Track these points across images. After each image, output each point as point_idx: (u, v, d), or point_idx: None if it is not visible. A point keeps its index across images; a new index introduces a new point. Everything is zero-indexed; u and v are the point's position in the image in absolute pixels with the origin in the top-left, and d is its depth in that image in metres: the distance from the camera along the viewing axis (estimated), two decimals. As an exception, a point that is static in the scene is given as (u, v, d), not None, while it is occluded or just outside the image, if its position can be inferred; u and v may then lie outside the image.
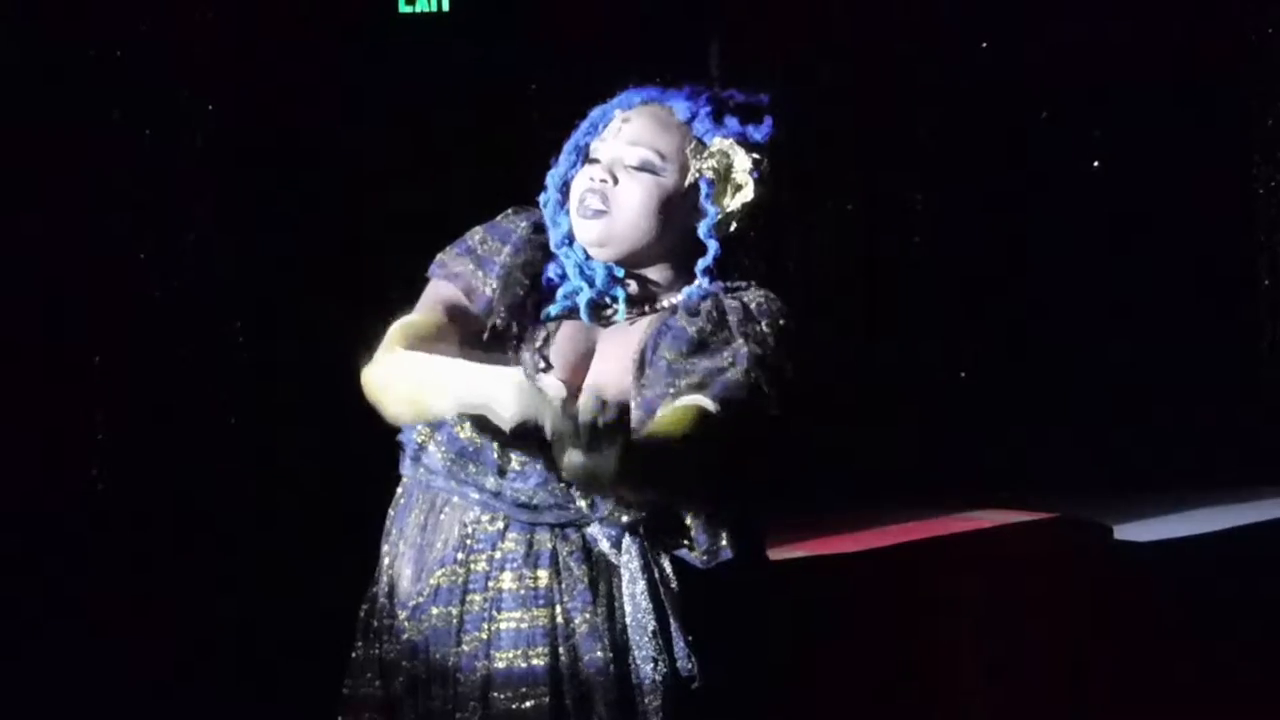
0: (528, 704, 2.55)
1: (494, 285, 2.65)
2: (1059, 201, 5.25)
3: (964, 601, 3.77)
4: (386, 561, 2.70)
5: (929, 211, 5.16)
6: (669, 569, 2.60)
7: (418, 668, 2.62)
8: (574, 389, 2.61)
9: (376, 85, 4.34)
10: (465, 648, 2.59)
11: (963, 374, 5.12)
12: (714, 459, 2.53)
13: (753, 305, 2.60)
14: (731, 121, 2.62)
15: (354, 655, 2.71)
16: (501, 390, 2.42)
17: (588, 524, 2.57)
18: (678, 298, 2.65)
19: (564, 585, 2.58)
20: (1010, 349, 5.19)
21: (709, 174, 2.60)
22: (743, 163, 2.60)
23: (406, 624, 2.63)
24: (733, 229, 2.63)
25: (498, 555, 2.60)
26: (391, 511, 2.74)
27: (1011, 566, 3.89)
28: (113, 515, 3.89)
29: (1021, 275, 5.19)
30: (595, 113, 2.65)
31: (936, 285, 5.13)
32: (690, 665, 2.58)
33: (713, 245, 2.61)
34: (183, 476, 3.93)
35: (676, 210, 2.61)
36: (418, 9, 4.49)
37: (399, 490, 2.73)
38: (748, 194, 2.60)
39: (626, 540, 2.59)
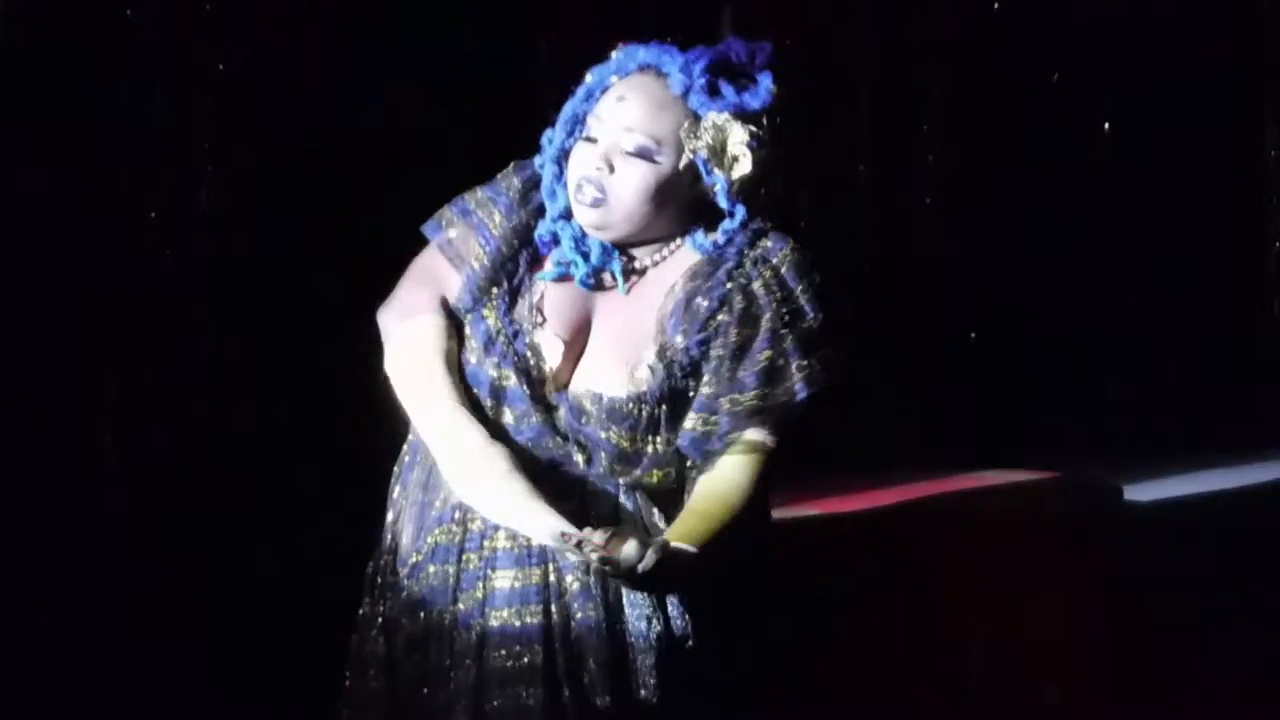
0: (522, 662, 2.57)
1: (484, 259, 2.64)
2: (1067, 161, 5.22)
3: (967, 561, 3.75)
4: (390, 518, 2.72)
5: (937, 169, 5.13)
6: (664, 526, 2.60)
7: (416, 625, 2.64)
8: (572, 348, 2.60)
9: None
10: (461, 606, 2.61)
11: (971, 334, 5.10)
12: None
13: (785, 271, 2.60)
14: (728, 91, 2.58)
15: (361, 612, 2.73)
16: (535, 533, 2.52)
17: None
18: (682, 255, 2.63)
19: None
20: (1015, 310, 5.16)
21: (704, 151, 2.58)
22: (738, 135, 2.57)
23: (406, 581, 2.65)
24: (737, 193, 2.62)
25: None
26: (396, 470, 2.75)
27: (1017, 526, 3.88)
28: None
29: (1028, 235, 5.15)
30: (592, 78, 2.64)
31: (942, 244, 5.09)
32: (684, 624, 2.58)
33: (739, 210, 2.61)
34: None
35: (674, 190, 2.60)
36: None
37: (404, 449, 2.74)
38: (745, 166, 2.58)
39: (623, 497, 2.58)
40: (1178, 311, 5.28)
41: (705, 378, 2.58)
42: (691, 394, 2.58)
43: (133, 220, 3.87)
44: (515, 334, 2.60)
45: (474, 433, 2.57)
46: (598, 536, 2.43)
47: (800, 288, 2.60)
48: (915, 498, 3.85)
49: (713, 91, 2.57)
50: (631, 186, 2.58)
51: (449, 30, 4.16)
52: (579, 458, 2.58)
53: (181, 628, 3.77)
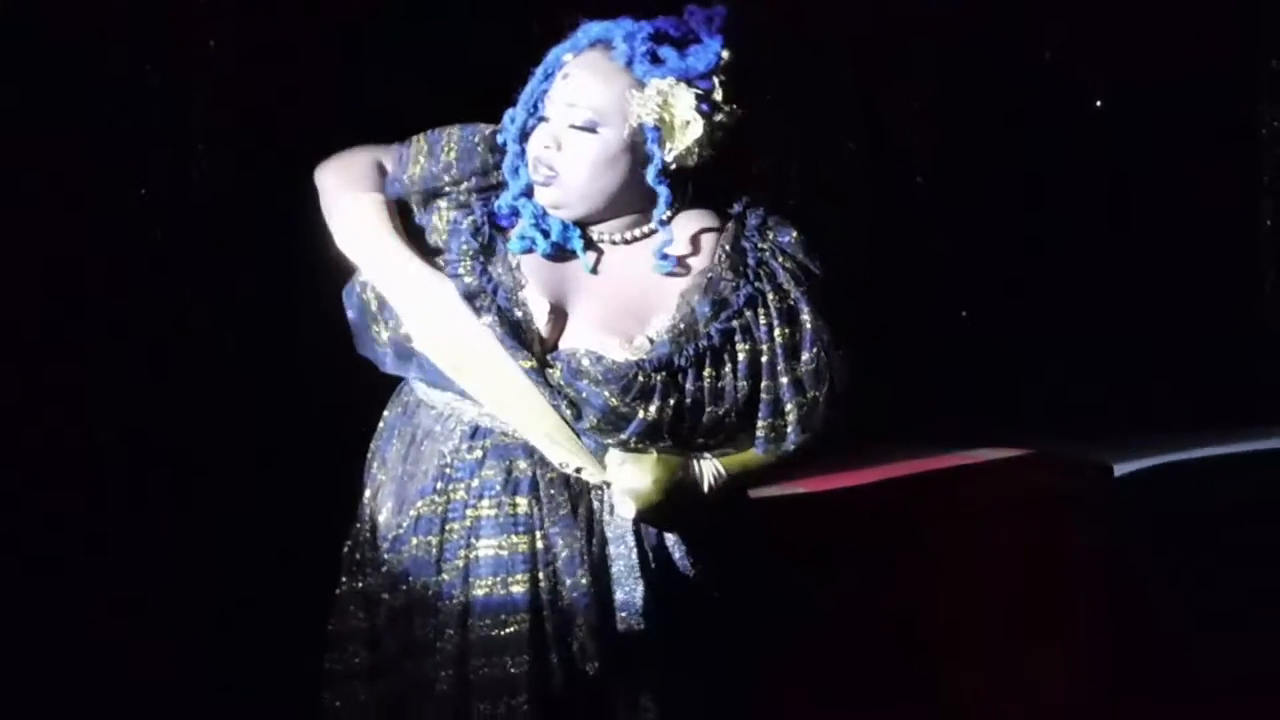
0: (507, 630, 2.58)
1: (415, 195, 2.68)
2: (1061, 144, 5.22)
3: (954, 537, 3.76)
4: (368, 494, 2.72)
5: (929, 147, 5.12)
6: None
7: (398, 598, 2.64)
8: (556, 312, 2.61)
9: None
10: (445, 576, 2.62)
11: (964, 313, 5.10)
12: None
13: (803, 259, 2.62)
14: (671, 56, 2.57)
15: (338, 591, 2.73)
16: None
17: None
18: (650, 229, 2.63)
19: (545, 511, 2.60)
20: (1009, 290, 5.17)
21: (650, 119, 2.56)
22: (685, 99, 2.56)
23: (387, 555, 2.66)
24: (693, 162, 2.61)
25: (476, 483, 2.63)
26: (373, 446, 2.75)
27: (1005, 503, 3.87)
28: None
29: (1018, 213, 5.16)
30: (550, 58, 2.64)
31: (936, 221, 5.09)
32: (672, 591, 2.59)
33: (663, 191, 2.59)
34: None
35: (626, 160, 2.59)
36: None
37: (380, 426, 2.75)
38: (696, 129, 2.56)
39: (609, 456, 2.59)
40: (1169, 294, 5.28)
41: (761, 381, 2.60)
42: (690, 369, 2.57)
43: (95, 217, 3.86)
44: (496, 289, 2.60)
45: (445, 283, 2.60)
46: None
47: (820, 274, 2.63)
48: (901, 474, 3.85)
49: (656, 59, 2.57)
50: (579, 161, 2.58)
51: (447, 27, 4.15)
52: (568, 412, 2.57)
53: (153, 618, 3.76)
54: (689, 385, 2.57)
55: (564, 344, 2.62)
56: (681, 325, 2.58)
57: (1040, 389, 5.07)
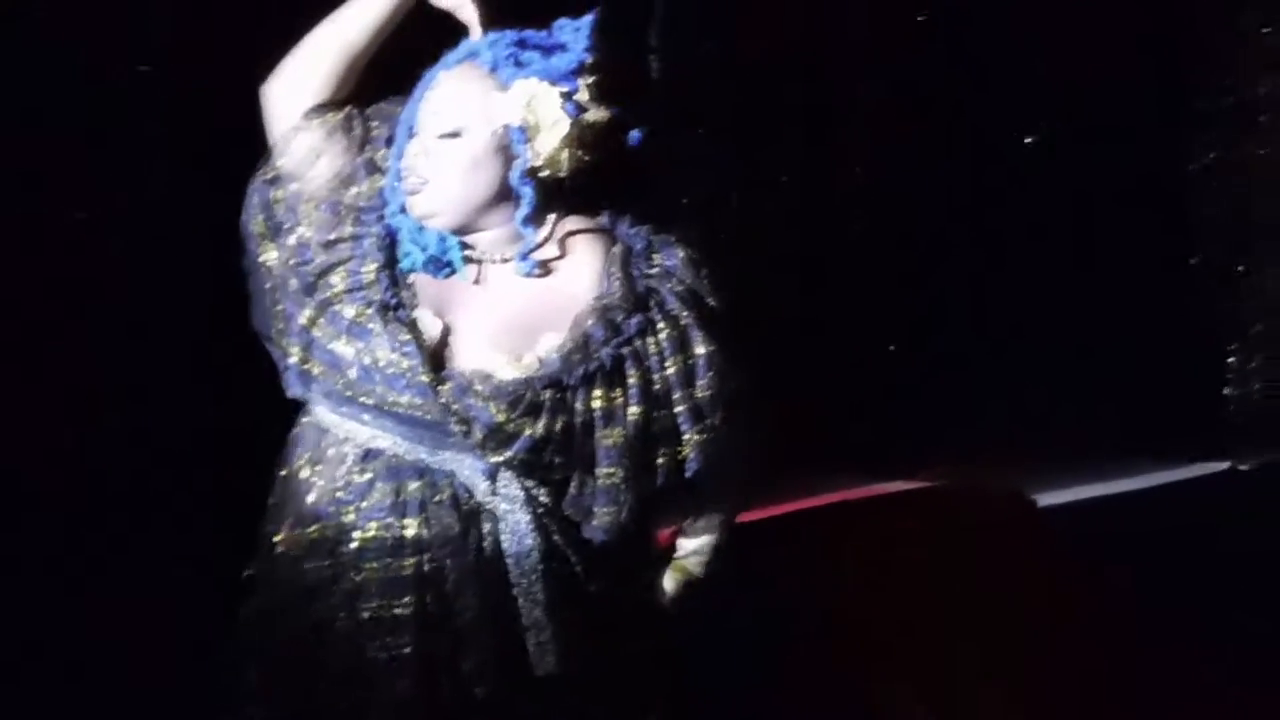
0: (394, 653, 2.59)
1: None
2: (990, 174, 5.25)
3: (874, 567, 3.79)
4: (271, 515, 2.74)
5: (868, 178, 5.15)
6: (547, 500, 2.65)
7: (292, 622, 2.66)
8: (446, 330, 2.62)
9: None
10: (334, 600, 2.63)
11: (891, 347, 5.13)
12: None
13: (692, 283, 2.61)
14: (533, 59, 2.58)
15: (241, 614, 2.75)
16: None
17: (464, 451, 2.60)
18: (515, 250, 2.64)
19: (433, 534, 2.62)
20: (937, 319, 5.20)
21: (516, 120, 2.57)
22: (550, 100, 2.56)
23: (283, 578, 2.67)
24: (565, 166, 2.60)
25: (365, 505, 2.65)
26: (280, 465, 2.77)
27: (921, 534, 3.92)
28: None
29: (948, 243, 5.19)
30: (426, 78, 2.63)
31: (864, 252, 5.13)
32: (579, 597, 2.64)
33: (526, 193, 2.59)
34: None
35: (495, 164, 2.59)
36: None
37: (288, 442, 2.76)
38: (563, 128, 2.56)
39: (501, 475, 2.63)
40: (1099, 321, 5.32)
41: (655, 410, 2.60)
42: (580, 389, 2.58)
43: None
44: (398, 305, 2.61)
45: None
46: None
47: (710, 297, 2.63)
48: (819, 505, 3.88)
49: (519, 63, 2.58)
50: (447, 167, 2.58)
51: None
52: (457, 429, 2.59)
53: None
54: (578, 405, 2.57)
55: (454, 362, 2.63)
56: (572, 345, 2.58)
57: (963, 420, 5.09)
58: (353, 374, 2.59)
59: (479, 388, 2.56)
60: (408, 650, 2.59)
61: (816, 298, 5.01)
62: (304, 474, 2.70)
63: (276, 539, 2.70)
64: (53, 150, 3.80)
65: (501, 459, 2.59)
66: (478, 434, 2.57)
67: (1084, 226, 5.26)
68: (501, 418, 2.55)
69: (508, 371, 2.58)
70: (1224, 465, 5.00)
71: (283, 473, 2.74)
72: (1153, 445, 4.99)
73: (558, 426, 2.57)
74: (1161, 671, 4.23)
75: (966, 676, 3.90)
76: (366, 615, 2.61)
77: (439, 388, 2.57)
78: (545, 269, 2.62)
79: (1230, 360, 5.55)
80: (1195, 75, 5.48)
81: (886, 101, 5.13)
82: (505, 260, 2.63)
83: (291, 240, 2.64)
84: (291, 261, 2.63)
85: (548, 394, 2.56)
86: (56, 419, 3.82)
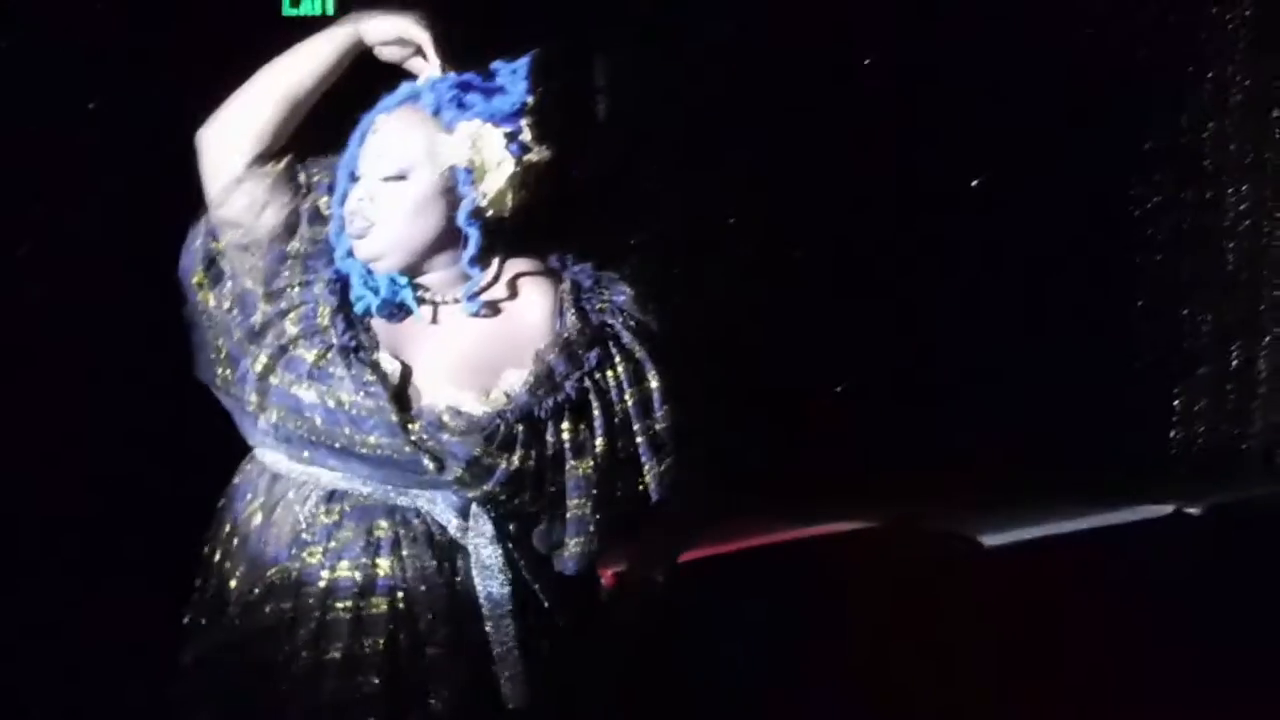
0: (363, 692, 2.59)
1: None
2: (934, 215, 5.26)
3: (815, 606, 3.80)
4: (216, 561, 2.72)
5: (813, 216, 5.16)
6: (517, 534, 2.67)
7: (247, 663, 2.64)
8: (407, 371, 2.63)
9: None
10: (298, 642, 2.62)
11: (838, 389, 5.15)
12: None
13: (642, 318, 2.65)
14: (475, 100, 2.61)
15: (184, 659, 2.73)
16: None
17: (435, 489, 2.62)
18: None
19: (408, 572, 2.62)
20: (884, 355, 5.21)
21: (462, 161, 2.60)
22: (494, 140, 2.60)
23: (238, 622, 2.65)
24: (510, 205, 2.63)
25: (334, 545, 2.64)
26: (222, 509, 2.75)
27: (870, 571, 3.92)
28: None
29: (892, 283, 5.20)
30: (364, 123, 2.64)
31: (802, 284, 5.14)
32: (548, 630, 2.66)
33: (473, 234, 2.61)
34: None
35: (440, 206, 2.61)
36: (302, 11, 4.47)
37: (230, 488, 2.75)
38: (508, 168, 2.60)
39: (473, 511, 2.64)
40: (1044, 362, 5.34)
41: (618, 441, 2.63)
42: (550, 421, 2.61)
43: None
44: (358, 347, 2.61)
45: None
46: None
47: (660, 330, 2.67)
48: (769, 543, 3.89)
49: (462, 105, 2.61)
50: (392, 210, 2.59)
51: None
52: (430, 465, 2.60)
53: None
54: (549, 438, 2.61)
55: (418, 401, 2.63)
56: (536, 379, 2.61)
57: (915, 459, 5.09)
58: (317, 418, 2.59)
59: (452, 423, 2.58)
60: (377, 688, 2.59)
61: (752, 337, 5.01)
62: (256, 520, 2.69)
63: (231, 585, 2.68)
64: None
65: (478, 493, 2.61)
66: (456, 469, 2.58)
67: (1031, 269, 5.28)
68: (478, 451, 2.57)
69: (477, 407, 2.59)
70: (1169, 508, 5.02)
71: (226, 526, 2.73)
72: (1098, 487, 4.99)
73: (531, 459, 2.60)
74: (1104, 712, 4.26)
75: (910, 715, 3.91)
76: (335, 655, 2.60)
77: (409, 426, 2.58)
78: (494, 309, 2.65)
79: (1176, 403, 5.60)
80: (1142, 117, 5.53)
81: (834, 137, 5.15)
82: (455, 301, 2.65)
83: (234, 289, 2.64)
84: (234, 311, 2.64)
85: (520, 427, 2.59)
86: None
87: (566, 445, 2.62)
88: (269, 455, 2.69)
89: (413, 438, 2.57)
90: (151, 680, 2.83)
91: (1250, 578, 4.69)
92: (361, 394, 2.57)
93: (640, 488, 2.67)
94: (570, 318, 2.64)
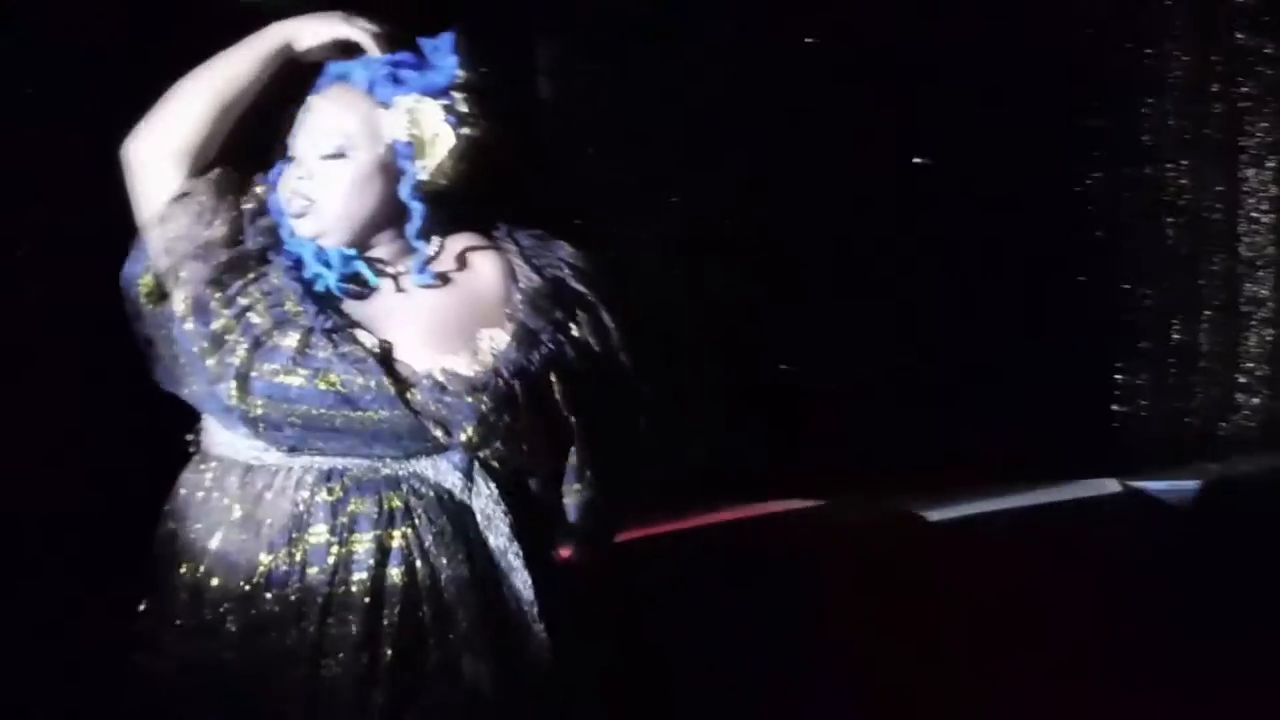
0: (371, 671, 2.56)
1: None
2: (877, 195, 5.27)
3: (756, 585, 3.80)
4: (182, 572, 2.68)
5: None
6: (514, 494, 2.65)
7: (245, 652, 2.61)
8: (384, 342, 2.61)
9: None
10: (304, 623, 2.60)
11: (782, 366, 5.15)
12: None
13: (588, 270, 2.68)
14: (410, 76, 2.63)
15: (138, 668, 2.69)
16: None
17: (437, 454, 2.61)
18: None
19: (426, 539, 2.61)
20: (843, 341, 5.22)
21: (403, 135, 2.62)
22: (433, 113, 2.62)
23: (231, 618, 2.62)
24: (451, 177, 2.64)
25: (342, 521, 2.61)
26: (175, 523, 2.71)
27: (814, 552, 3.93)
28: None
29: (837, 266, 5.21)
30: (302, 109, 2.65)
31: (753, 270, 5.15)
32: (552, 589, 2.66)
33: (416, 207, 2.63)
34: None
35: (381, 181, 2.62)
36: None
37: (178, 500, 2.71)
38: (449, 139, 2.62)
39: (476, 473, 2.63)
40: (988, 338, 5.36)
41: (597, 389, 2.66)
42: (537, 373, 2.61)
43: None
44: (336, 328, 2.58)
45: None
46: None
47: (607, 284, 2.71)
48: (711, 523, 3.89)
49: (397, 80, 2.63)
50: (333, 186, 2.61)
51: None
52: (437, 431, 2.60)
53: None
54: (543, 389, 2.62)
55: (411, 370, 2.61)
56: (517, 335, 2.63)
57: (862, 436, 5.10)
58: (309, 403, 2.58)
59: (452, 386, 2.59)
60: (393, 660, 2.57)
61: (703, 317, 5.01)
62: (235, 518, 2.65)
63: (213, 585, 2.66)
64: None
65: (487, 451, 2.61)
66: (467, 429, 2.58)
67: (972, 247, 5.30)
68: (485, 408, 2.58)
69: (468, 368, 2.60)
70: (1113, 481, 5.05)
71: (189, 534, 2.69)
72: (1042, 462, 5.02)
73: (533, 412, 2.61)
74: (1050, 685, 4.28)
75: (859, 692, 3.92)
76: (350, 629, 2.57)
77: (408, 396, 2.57)
78: (445, 278, 2.66)
79: (1119, 377, 5.63)
80: (1082, 96, 5.56)
81: (779, 122, 5.15)
82: (404, 274, 2.66)
83: (188, 297, 2.61)
84: (191, 320, 2.60)
85: (516, 382, 2.60)
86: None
87: (559, 396, 2.63)
88: (244, 451, 2.66)
89: (414, 407, 2.57)
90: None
91: (1197, 553, 4.74)
92: (354, 372, 2.57)
93: (625, 428, 2.71)
94: (524, 274, 2.68)
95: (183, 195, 2.62)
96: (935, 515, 4.40)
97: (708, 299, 5.00)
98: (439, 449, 2.61)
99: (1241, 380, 5.80)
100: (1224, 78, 5.78)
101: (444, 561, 2.61)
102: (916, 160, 5.34)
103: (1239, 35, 5.80)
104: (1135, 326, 5.67)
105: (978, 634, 4.25)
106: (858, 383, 5.13)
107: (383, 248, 2.65)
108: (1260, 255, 5.84)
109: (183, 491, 2.71)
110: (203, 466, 2.70)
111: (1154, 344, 5.69)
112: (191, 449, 2.72)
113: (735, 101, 5.04)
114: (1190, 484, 5.10)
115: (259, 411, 2.59)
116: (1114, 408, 5.60)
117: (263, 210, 2.65)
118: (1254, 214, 5.84)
